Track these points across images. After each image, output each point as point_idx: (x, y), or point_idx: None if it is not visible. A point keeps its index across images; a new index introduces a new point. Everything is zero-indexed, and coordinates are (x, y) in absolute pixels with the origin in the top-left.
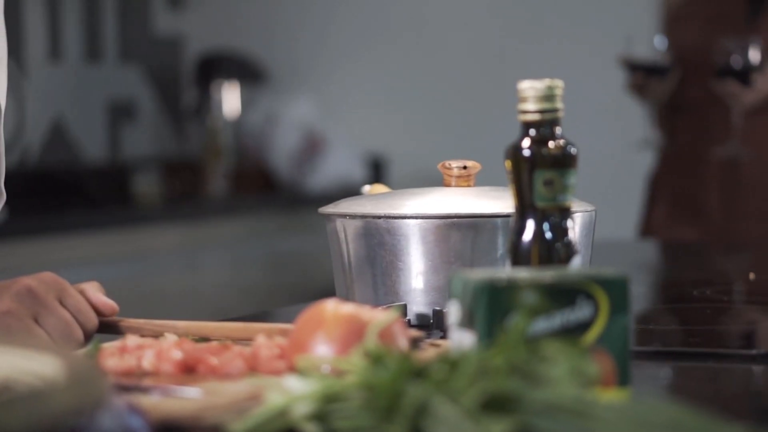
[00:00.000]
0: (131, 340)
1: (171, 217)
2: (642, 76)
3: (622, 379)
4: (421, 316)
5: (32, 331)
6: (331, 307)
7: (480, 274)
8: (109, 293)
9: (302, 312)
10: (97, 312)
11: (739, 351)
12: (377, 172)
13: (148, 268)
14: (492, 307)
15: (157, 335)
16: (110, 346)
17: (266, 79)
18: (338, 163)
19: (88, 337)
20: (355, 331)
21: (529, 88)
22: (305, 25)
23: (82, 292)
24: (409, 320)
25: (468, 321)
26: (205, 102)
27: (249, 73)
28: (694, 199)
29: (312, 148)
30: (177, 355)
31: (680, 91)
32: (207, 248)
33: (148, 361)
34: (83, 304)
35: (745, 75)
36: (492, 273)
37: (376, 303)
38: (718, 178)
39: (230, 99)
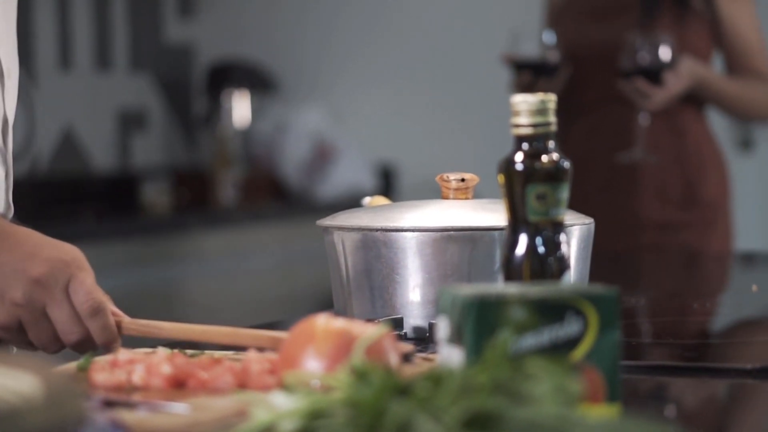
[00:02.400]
0: (122, 354)
1: (180, 226)
2: (529, 75)
3: (612, 395)
4: (417, 329)
5: (40, 323)
6: (321, 321)
7: (468, 289)
8: (117, 302)
9: (294, 326)
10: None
11: (733, 365)
12: (387, 180)
13: (158, 277)
14: (480, 322)
15: (146, 335)
16: (101, 360)
17: (276, 87)
18: (348, 171)
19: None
20: (345, 346)
21: (522, 102)
22: (315, 34)
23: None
24: (405, 333)
25: (456, 337)
26: (215, 111)
27: (259, 82)
28: (586, 207)
29: (322, 156)
30: (167, 369)
31: (572, 91)
32: (216, 257)
33: (138, 376)
34: (85, 294)
35: (655, 73)
36: (480, 288)
37: (373, 316)
38: (613, 185)
39: (240, 108)
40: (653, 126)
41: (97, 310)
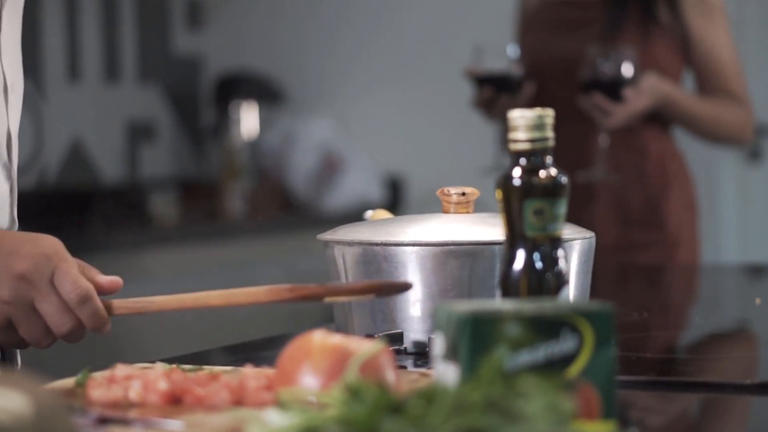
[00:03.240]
0: (120, 369)
1: (188, 238)
2: (490, 90)
3: (607, 411)
4: (418, 344)
5: (30, 318)
6: (318, 337)
7: (464, 306)
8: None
9: (291, 342)
10: (103, 290)
11: (732, 381)
12: (395, 192)
13: (165, 288)
14: (475, 339)
15: (139, 312)
16: (99, 375)
17: (284, 99)
18: (356, 183)
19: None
20: (341, 363)
21: (520, 117)
22: (323, 46)
23: (82, 268)
24: (405, 348)
25: (452, 353)
26: (224, 122)
27: (267, 94)
28: None
29: (330, 168)
30: (163, 385)
31: (537, 106)
32: (224, 269)
33: (134, 392)
34: (71, 284)
35: (616, 89)
36: (476, 305)
37: (374, 330)
38: (572, 204)
39: (248, 119)
40: (614, 144)
41: (86, 298)
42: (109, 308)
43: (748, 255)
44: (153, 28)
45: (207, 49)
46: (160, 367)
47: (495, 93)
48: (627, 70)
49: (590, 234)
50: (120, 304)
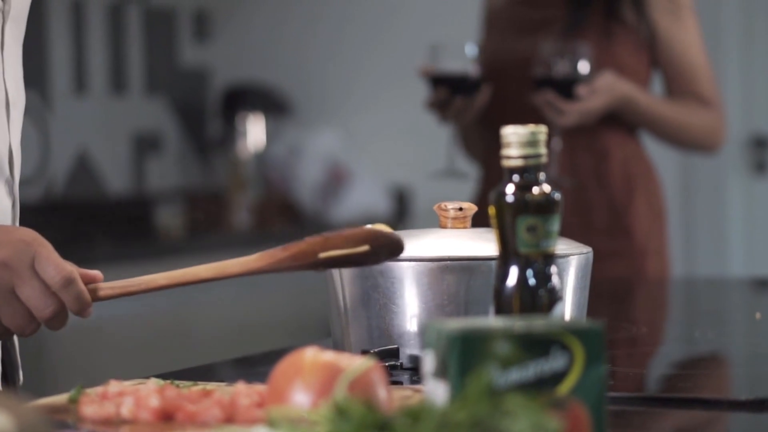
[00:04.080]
0: (112, 386)
1: (194, 250)
2: (445, 91)
3: (597, 430)
4: (414, 359)
5: (12, 304)
6: (310, 354)
7: (454, 323)
8: (131, 325)
9: (283, 359)
10: (85, 278)
11: (726, 397)
12: (401, 204)
13: (172, 301)
14: (464, 357)
15: (126, 292)
16: (91, 392)
17: (290, 111)
18: (362, 195)
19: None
20: (333, 380)
21: (512, 133)
22: (330, 57)
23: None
24: (401, 363)
25: (441, 371)
26: (230, 134)
27: (273, 105)
28: None
29: (336, 180)
30: (155, 402)
31: (495, 108)
32: (230, 281)
33: (126, 409)
34: (54, 267)
35: (568, 86)
36: (466, 322)
37: (370, 345)
38: None
39: (255, 131)
40: (573, 146)
41: (70, 281)
42: (94, 292)
43: (755, 268)
44: (160, 41)
45: (213, 61)
46: (152, 383)
47: (450, 94)
48: (582, 67)
49: (587, 249)
50: (105, 285)
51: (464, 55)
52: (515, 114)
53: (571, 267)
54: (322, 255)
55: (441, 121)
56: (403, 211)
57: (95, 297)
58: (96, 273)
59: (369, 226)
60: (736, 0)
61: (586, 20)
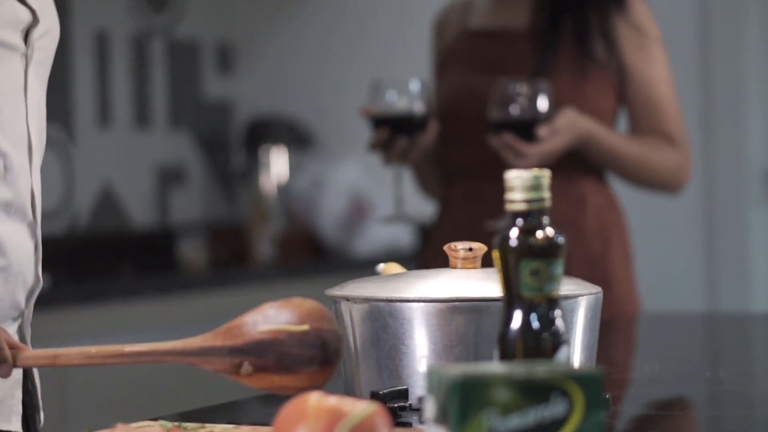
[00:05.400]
0: (120, 429)
1: (217, 283)
2: (387, 131)
3: None
4: (423, 400)
5: None
6: (313, 399)
7: (455, 369)
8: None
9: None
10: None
11: None
12: (424, 236)
13: (194, 334)
14: (464, 403)
15: (43, 365)
16: None
17: (314, 143)
18: (385, 227)
19: None
20: (336, 424)
21: (516, 177)
22: (352, 90)
23: None
24: (410, 405)
25: (442, 416)
26: (253, 167)
27: (296, 138)
28: None
29: (359, 212)
30: None
31: (455, 150)
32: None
33: None
34: None
35: (528, 127)
36: (468, 368)
37: (380, 386)
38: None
39: (278, 163)
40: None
41: None
42: (15, 357)
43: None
44: (183, 74)
45: (237, 94)
46: (159, 426)
47: (393, 134)
48: (542, 105)
49: (597, 289)
50: (27, 357)
51: (409, 92)
52: (477, 155)
53: (581, 307)
54: (261, 329)
55: (385, 163)
56: (425, 243)
57: (15, 363)
58: (23, 346)
59: (382, 265)
60: (757, 32)
61: (557, 58)
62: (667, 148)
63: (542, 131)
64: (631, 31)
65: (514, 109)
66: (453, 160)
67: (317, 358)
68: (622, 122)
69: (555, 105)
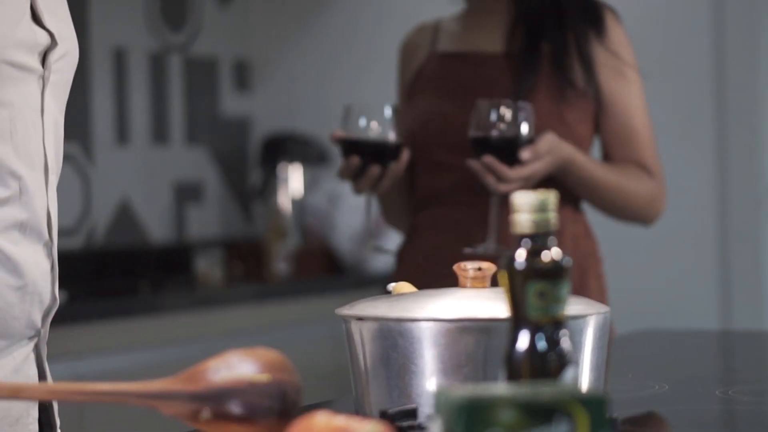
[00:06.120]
0: None
1: (234, 299)
2: (358, 159)
3: None
4: (430, 420)
5: None
6: (321, 418)
7: (461, 390)
8: (170, 375)
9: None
10: None
11: None
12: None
13: (211, 350)
14: (469, 425)
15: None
16: None
17: (330, 160)
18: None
19: None
20: None
21: (523, 199)
22: None
23: None
24: (419, 424)
25: None
26: (270, 183)
27: (313, 154)
28: None
29: (375, 229)
30: None
31: (419, 176)
32: (270, 329)
33: None
34: None
35: (510, 149)
36: (473, 389)
37: (390, 404)
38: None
39: (294, 180)
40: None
41: None
42: None
43: None
44: (201, 92)
45: (254, 110)
46: None
47: (364, 162)
48: (523, 128)
49: (605, 309)
50: None
51: (382, 118)
52: (453, 183)
53: (589, 327)
54: (223, 376)
55: (355, 192)
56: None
57: None
58: None
59: (393, 284)
60: None
61: (536, 83)
62: (644, 177)
63: (525, 154)
64: (609, 57)
65: (496, 132)
66: (422, 187)
67: (275, 409)
68: (596, 149)
69: (534, 130)
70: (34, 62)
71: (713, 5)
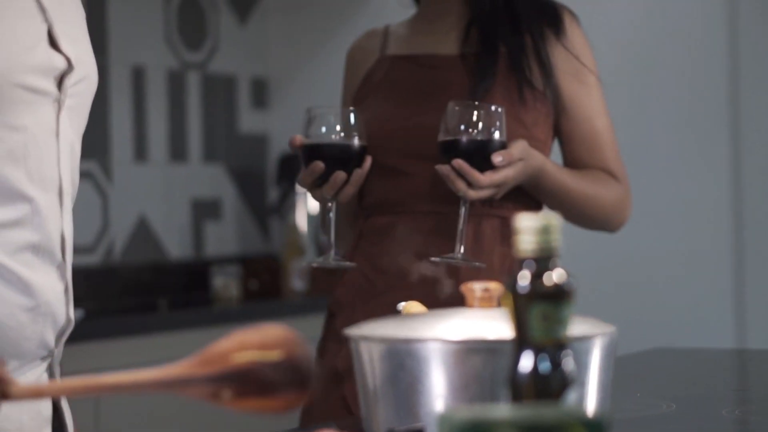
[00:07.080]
0: None
1: (251, 315)
2: (320, 165)
3: None
4: None
5: None
6: None
7: (464, 412)
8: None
9: None
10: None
11: None
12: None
13: None
14: None
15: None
16: None
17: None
18: None
19: None
20: None
21: (526, 221)
22: None
23: None
24: None
25: None
26: (287, 200)
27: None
28: None
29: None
30: None
31: (375, 183)
32: None
33: None
34: None
35: (481, 154)
36: (475, 411)
37: (397, 424)
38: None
39: (311, 197)
40: (487, 236)
41: None
42: (6, 392)
43: None
44: (219, 110)
45: (271, 128)
46: None
47: (327, 168)
48: (496, 132)
49: (611, 329)
50: (18, 389)
51: (345, 123)
52: (391, 188)
53: (595, 348)
54: (237, 356)
55: (318, 200)
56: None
57: (6, 394)
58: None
59: (403, 304)
60: None
61: (493, 84)
62: (611, 183)
63: (498, 158)
64: (568, 59)
65: (466, 136)
66: (370, 193)
67: (293, 382)
68: (555, 154)
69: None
70: (50, 86)
71: (729, 30)
